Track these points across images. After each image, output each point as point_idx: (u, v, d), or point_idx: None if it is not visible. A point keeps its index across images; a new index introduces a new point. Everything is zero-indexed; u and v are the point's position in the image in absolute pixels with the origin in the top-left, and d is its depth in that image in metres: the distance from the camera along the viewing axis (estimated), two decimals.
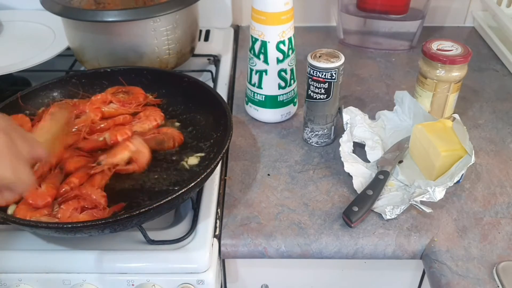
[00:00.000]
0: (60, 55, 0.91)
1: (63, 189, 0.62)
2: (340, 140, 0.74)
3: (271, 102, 0.81)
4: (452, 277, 0.58)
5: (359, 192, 0.68)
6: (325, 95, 0.73)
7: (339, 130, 0.78)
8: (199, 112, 0.77)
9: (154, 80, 0.81)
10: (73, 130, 0.71)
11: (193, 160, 0.69)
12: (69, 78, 0.80)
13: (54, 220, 0.58)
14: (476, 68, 0.99)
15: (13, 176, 0.41)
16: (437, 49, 0.75)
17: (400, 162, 0.74)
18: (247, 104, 0.85)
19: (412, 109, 0.79)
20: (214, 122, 0.73)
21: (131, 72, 0.81)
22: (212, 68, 0.96)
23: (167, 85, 0.80)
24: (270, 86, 0.80)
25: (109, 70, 0.81)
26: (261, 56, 0.77)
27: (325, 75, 0.71)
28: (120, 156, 0.66)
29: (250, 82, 0.82)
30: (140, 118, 0.75)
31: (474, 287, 0.57)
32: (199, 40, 1.06)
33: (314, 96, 0.73)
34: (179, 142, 0.72)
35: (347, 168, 0.71)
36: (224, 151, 0.62)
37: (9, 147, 0.40)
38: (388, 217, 0.64)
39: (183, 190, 0.56)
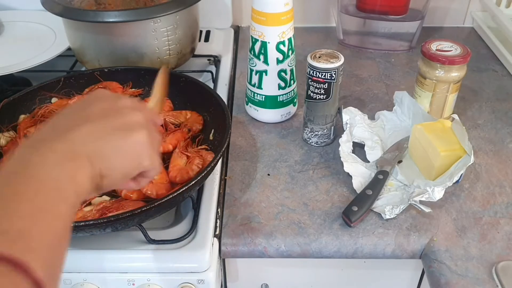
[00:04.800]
0: (60, 56, 0.91)
1: None
2: (340, 140, 0.74)
3: (271, 102, 0.81)
4: (452, 277, 0.58)
5: (358, 192, 0.68)
6: (324, 96, 0.73)
7: (338, 130, 0.79)
8: (197, 111, 0.77)
9: (152, 80, 0.81)
10: None
11: None
12: (67, 78, 0.80)
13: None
14: (475, 68, 0.99)
15: (151, 164, 0.43)
16: (437, 50, 0.76)
17: (400, 162, 0.74)
18: (247, 104, 0.85)
19: (411, 109, 0.79)
20: (213, 121, 0.74)
21: (129, 72, 0.81)
22: (212, 68, 0.96)
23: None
24: (270, 87, 0.80)
25: (106, 70, 0.81)
26: (261, 57, 0.78)
27: (324, 76, 0.71)
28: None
29: (250, 83, 0.82)
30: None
31: (473, 287, 0.57)
32: (200, 40, 1.06)
33: (314, 97, 0.74)
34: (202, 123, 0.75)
35: (347, 168, 0.71)
36: (223, 150, 0.63)
37: (148, 140, 0.42)
38: (388, 217, 0.65)
39: (183, 189, 0.56)
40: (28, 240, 0.31)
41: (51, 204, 0.34)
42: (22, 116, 0.75)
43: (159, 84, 0.56)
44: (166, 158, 0.69)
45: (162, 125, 0.72)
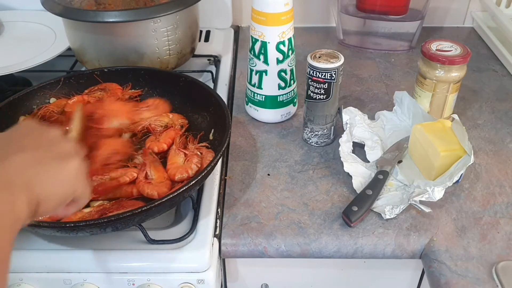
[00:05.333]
0: (61, 56, 0.91)
1: None
2: (340, 140, 0.74)
3: (271, 102, 0.81)
4: (451, 277, 0.58)
5: (358, 192, 0.68)
6: (324, 96, 0.73)
7: (338, 130, 0.79)
8: (197, 111, 0.77)
9: (152, 80, 0.81)
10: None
11: None
12: (67, 78, 0.80)
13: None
14: (475, 68, 0.99)
15: (84, 190, 0.46)
16: (437, 50, 0.76)
17: (400, 162, 0.74)
18: (247, 104, 0.85)
19: (411, 109, 0.79)
20: (212, 121, 0.74)
21: (129, 72, 0.81)
22: (213, 68, 0.96)
23: (165, 84, 0.80)
24: (270, 87, 0.80)
25: (106, 70, 0.81)
26: (261, 57, 0.78)
27: (324, 76, 0.71)
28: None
29: (250, 83, 0.82)
30: (149, 106, 0.77)
31: (473, 287, 0.57)
32: (200, 40, 1.06)
33: (314, 97, 0.74)
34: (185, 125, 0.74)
35: (347, 168, 0.71)
36: (223, 149, 0.63)
37: (81, 168, 0.45)
38: (388, 217, 0.65)
39: (183, 189, 0.56)
40: None
41: None
42: (21, 118, 0.75)
43: (78, 117, 0.61)
44: (161, 156, 0.70)
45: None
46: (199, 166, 0.66)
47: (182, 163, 0.67)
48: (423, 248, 0.63)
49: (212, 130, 0.73)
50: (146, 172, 0.65)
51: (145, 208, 0.54)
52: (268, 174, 0.73)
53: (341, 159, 0.72)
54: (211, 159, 0.66)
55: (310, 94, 0.74)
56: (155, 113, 0.76)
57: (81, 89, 0.80)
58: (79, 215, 0.59)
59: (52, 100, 0.78)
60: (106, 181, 0.64)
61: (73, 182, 0.43)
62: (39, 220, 0.57)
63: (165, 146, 0.71)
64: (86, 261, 0.59)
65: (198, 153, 0.69)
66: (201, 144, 0.71)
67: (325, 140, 0.78)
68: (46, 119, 0.74)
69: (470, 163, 0.65)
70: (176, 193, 0.56)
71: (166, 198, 0.55)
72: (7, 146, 0.41)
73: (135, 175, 0.65)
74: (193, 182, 0.58)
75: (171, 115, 0.77)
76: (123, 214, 0.54)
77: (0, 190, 0.36)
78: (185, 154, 0.68)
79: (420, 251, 0.63)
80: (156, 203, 0.55)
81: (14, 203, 0.37)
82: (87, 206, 0.60)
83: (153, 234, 0.60)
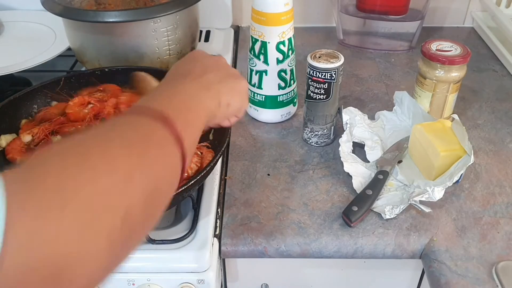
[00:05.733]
0: (60, 56, 0.91)
1: None
2: (340, 140, 0.74)
3: (271, 102, 0.81)
4: (452, 277, 0.58)
5: (358, 192, 0.68)
6: (324, 96, 0.73)
7: (338, 130, 0.79)
8: None
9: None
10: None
11: None
12: (67, 78, 0.80)
13: None
14: (475, 68, 0.99)
15: (247, 105, 0.58)
16: (436, 50, 0.76)
17: (400, 162, 0.74)
18: None
19: (411, 109, 0.79)
20: None
21: (129, 72, 0.81)
22: None
23: None
24: (270, 87, 0.80)
25: (106, 70, 0.81)
26: (261, 57, 0.78)
27: (324, 76, 0.71)
28: None
29: (250, 83, 0.82)
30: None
31: (473, 287, 0.57)
32: (200, 40, 1.06)
33: (314, 97, 0.74)
34: None
35: (347, 168, 0.71)
36: (222, 149, 0.63)
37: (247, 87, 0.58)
38: (388, 217, 0.65)
39: (181, 190, 0.56)
40: (180, 116, 0.41)
41: (195, 107, 0.45)
42: (23, 121, 0.75)
43: None
44: None
45: None
46: (199, 165, 0.66)
47: None
48: (423, 248, 0.63)
49: (212, 130, 0.73)
50: None
51: None
52: (268, 174, 0.73)
53: (341, 159, 0.72)
54: (211, 158, 0.66)
55: (310, 94, 0.74)
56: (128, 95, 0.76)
57: (81, 89, 0.80)
58: None
59: (54, 103, 0.78)
60: None
61: (244, 96, 0.55)
62: None
63: None
64: None
65: (198, 152, 0.69)
66: (201, 144, 0.71)
67: (325, 140, 0.78)
68: (47, 120, 0.73)
69: (470, 163, 0.65)
70: (174, 193, 0.55)
71: None
72: (196, 67, 0.51)
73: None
74: (192, 182, 0.57)
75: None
76: None
77: (202, 89, 0.48)
78: None
79: (420, 251, 0.63)
80: None
81: (210, 99, 0.48)
82: None
83: (153, 234, 0.60)
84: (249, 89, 0.83)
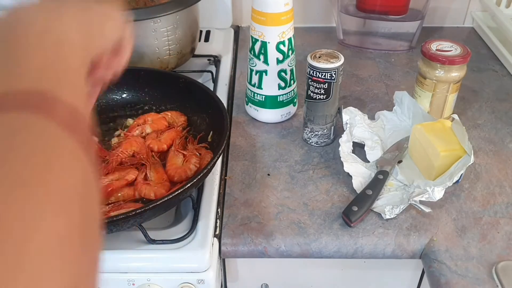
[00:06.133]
0: None
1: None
2: (340, 140, 0.74)
3: (271, 102, 0.81)
4: (452, 277, 0.58)
5: (358, 192, 0.68)
6: (324, 96, 0.73)
7: (338, 130, 0.79)
8: (196, 113, 0.77)
9: (151, 80, 0.81)
10: None
11: None
12: None
13: None
14: (475, 68, 0.99)
15: (129, 39, 0.48)
16: (437, 50, 0.76)
17: (400, 162, 0.74)
18: (247, 104, 0.85)
19: (411, 109, 0.79)
20: (212, 123, 0.74)
21: (128, 73, 0.81)
22: (212, 68, 0.96)
23: (164, 85, 0.80)
24: (270, 87, 0.80)
25: None
26: (261, 57, 0.78)
27: (324, 76, 0.71)
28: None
29: (250, 83, 0.82)
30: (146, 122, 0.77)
31: (473, 287, 0.57)
32: (200, 40, 1.06)
33: (314, 97, 0.74)
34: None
35: (347, 168, 0.71)
36: (220, 152, 0.63)
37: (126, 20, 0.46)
38: (388, 217, 0.65)
39: (179, 191, 0.56)
40: (52, 73, 0.28)
41: (67, 52, 0.32)
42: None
43: None
44: (162, 157, 0.70)
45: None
46: (198, 166, 0.66)
47: (181, 164, 0.67)
48: (423, 248, 0.63)
49: (211, 132, 0.73)
50: (146, 174, 0.65)
51: (140, 211, 0.54)
52: (268, 174, 0.73)
53: (341, 159, 0.72)
54: (209, 159, 0.66)
55: (310, 94, 0.74)
56: (154, 128, 0.75)
57: None
58: None
59: None
60: (113, 182, 0.64)
61: (120, 25, 0.45)
62: None
63: (165, 147, 0.71)
64: None
65: (197, 153, 0.69)
66: (200, 144, 0.71)
67: (325, 140, 0.78)
68: None
69: (470, 163, 0.65)
70: (171, 196, 0.55)
71: (161, 201, 0.55)
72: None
73: (137, 172, 0.66)
74: (189, 184, 0.57)
75: (169, 114, 0.77)
76: (116, 216, 0.53)
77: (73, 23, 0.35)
78: (184, 155, 0.68)
79: (420, 251, 0.63)
80: (151, 206, 0.54)
81: (78, 52, 0.34)
82: None
83: (153, 234, 0.60)
84: (249, 89, 0.83)
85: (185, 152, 0.68)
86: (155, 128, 0.75)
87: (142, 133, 0.74)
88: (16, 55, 0.29)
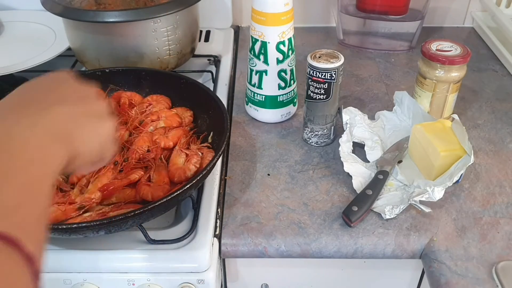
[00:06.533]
0: (61, 56, 0.91)
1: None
2: (340, 140, 0.74)
3: (271, 102, 0.81)
4: (452, 277, 0.58)
5: (358, 192, 0.68)
6: (324, 96, 0.73)
7: (338, 130, 0.79)
8: (197, 113, 0.77)
9: (153, 80, 0.81)
10: None
11: None
12: None
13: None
14: (475, 68, 0.99)
15: (112, 151, 0.47)
16: (436, 50, 0.76)
17: (400, 162, 0.74)
18: (247, 104, 0.85)
19: (411, 109, 0.79)
20: (212, 123, 0.74)
21: (130, 73, 0.81)
22: (212, 68, 0.96)
23: (166, 86, 0.80)
24: (270, 87, 0.80)
25: (107, 70, 0.81)
26: (261, 57, 0.78)
27: (324, 76, 0.71)
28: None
29: (250, 83, 0.82)
30: (152, 104, 0.77)
31: (473, 287, 0.57)
32: (200, 40, 1.06)
33: (314, 97, 0.74)
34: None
35: (347, 168, 0.71)
36: (220, 152, 0.63)
37: (114, 129, 0.46)
38: (388, 217, 0.65)
39: (178, 192, 0.56)
40: (18, 216, 0.31)
41: (37, 182, 0.34)
42: None
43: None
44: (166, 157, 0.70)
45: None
46: (198, 166, 0.66)
47: (182, 164, 0.67)
48: (423, 248, 0.63)
49: (212, 132, 0.73)
50: (150, 175, 0.65)
51: (138, 212, 0.53)
52: (268, 174, 0.73)
53: (341, 159, 0.72)
54: (210, 159, 0.66)
55: (310, 94, 0.74)
56: (168, 124, 0.76)
57: None
58: (78, 220, 0.59)
59: None
60: (115, 181, 0.63)
61: (106, 142, 0.45)
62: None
63: (171, 144, 0.71)
64: (86, 261, 0.59)
65: (199, 153, 0.69)
66: (202, 144, 0.71)
67: (325, 140, 0.78)
68: None
69: (470, 163, 0.65)
70: (170, 197, 0.55)
71: (161, 201, 0.55)
72: (47, 95, 0.41)
73: (142, 173, 0.66)
74: (189, 185, 0.57)
75: (175, 110, 0.77)
76: (116, 217, 0.53)
77: (44, 142, 0.36)
78: (186, 154, 0.68)
79: (420, 251, 0.63)
80: (150, 206, 0.54)
81: (56, 155, 0.37)
82: (87, 211, 0.60)
83: (153, 234, 0.60)
84: (249, 89, 0.83)
85: (187, 152, 0.68)
86: (168, 124, 0.74)
87: (155, 129, 0.74)
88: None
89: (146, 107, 0.77)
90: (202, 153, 0.69)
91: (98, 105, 0.44)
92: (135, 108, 0.77)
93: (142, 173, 0.66)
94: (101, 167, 0.49)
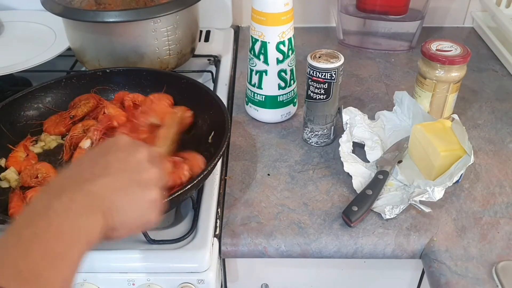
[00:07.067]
0: (61, 56, 0.91)
1: None
2: (340, 140, 0.74)
3: (271, 102, 0.81)
4: (451, 277, 0.58)
5: (358, 192, 0.68)
6: (324, 96, 0.73)
7: (338, 130, 0.79)
8: (197, 113, 0.77)
9: (153, 81, 0.81)
10: None
11: None
12: (68, 79, 0.80)
13: None
14: (475, 68, 0.99)
15: (156, 222, 0.45)
16: (437, 50, 0.76)
17: (400, 162, 0.74)
18: (247, 104, 0.85)
19: (411, 109, 0.79)
20: (213, 123, 0.74)
21: (131, 73, 0.81)
22: (212, 68, 0.96)
23: (166, 86, 0.80)
24: (270, 87, 0.80)
25: (108, 71, 0.81)
26: (261, 57, 0.78)
27: (324, 76, 0.71)
28: None
29: (250, 83, 0.82)
30: (153, 102, 0.77)
31: (473, 287, 0.57)
32: (200, 40, 1.06)
33: (314, 97, 0.74)
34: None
35: (347, 168, 0.71)
36: (220, 153, 0.62)
37: (159, 199, 0.45)
38: (388, 217, 0.65)
39: (178, 193, 0.56)
40: (40, 282, 0.33)
41: (66, 251, 0.36)
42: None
43: (171, 128, 0.56)
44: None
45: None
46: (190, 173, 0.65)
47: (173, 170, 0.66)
48: (423, 248, 0.63)
49: (212, 132, 0.73)
50: None
51: None
52: (268, 174, 0.73)
53: (341, 159, 0.72)
54: (200, 164, 0.65)
55: (310, 94, 0.74)
56: (161, 106, 0.76)
57: (82, 89, 0.80)
58: None
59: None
60: None
61: (149, 212, 0.44)
62: None
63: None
64: (86, 261, 0.59)
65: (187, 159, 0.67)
66: (187, 152, 0.68)
67: (325, 140, 0.78)
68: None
69: (470, 163, 0.65)
70: (171, 197, 0.55)
71: None
72: (96, 164, 0.42)
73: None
74: (189, 186, 0.57)
75: (176, 109, 0.77)
76: None
77: (81, 213, 0.38)
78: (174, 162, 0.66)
79: (420, 251, 0.63)
80: None
81: (91, 227, 0.38)
82: None
83: (153, 234, 0.60)
84: (249, 89, 0.83)
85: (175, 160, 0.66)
86: (160, 105, 0.76)
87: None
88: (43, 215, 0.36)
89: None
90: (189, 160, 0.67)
91: (145, 173, 0.44)
92: (139, 108, 0.77)
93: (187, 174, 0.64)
94: (151, 229, 0.49)
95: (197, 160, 0.65)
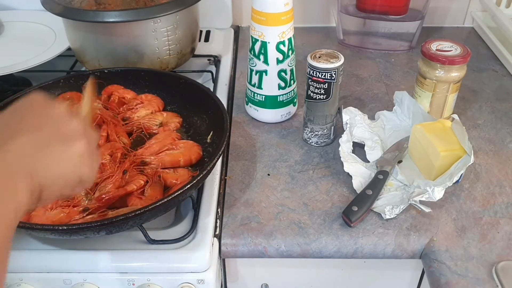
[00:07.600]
0: (61, 56, 0.91)
1: None
2: (340, 140, 0.74)
3: (271, 102, 0.81)
4: (451, 277, 0.58)
5: (358, 192, 0.68)
6: (324, 96, 0.73)
7: (338, 130, 0.79)
8: (196, 113, 0.77)
9: (152, 81, 0.81)
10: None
11: None
12: (67, 78, 0.80)
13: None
14: (475, 68, 0.99)
15: (90, 173, 0.43)
16: (436, 50, 0.76)
17: (400, 162, 0.74)
18: (247, 104, 0.85)
19: (411, 109, 0.79)
20: (211, 123, 0.74)
21: (129, 73, 0.81)
22: (212, 68, 0.96)
23: (165, 86, 0.80)
24: (270, 87, 0.80)
25: (106, 71, 0.81)
26: (261, 57, 0.78)
27: (324, 76, 0.71)
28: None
29: (250, 83, 0.82)
30: (143, 103, 0.78)
31: (473, 287, 0.57)
32: (200, 40, 1.06)
33: (314, 97, 0.74)
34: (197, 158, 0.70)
35: (347, 168, 0.71)
36: (220, 153, 0.62)
37: (87, 149, 0.42)
38: (388, 217, 0.65)
39: (178, 193, 0.56)
40: None
41: None
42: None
43: (89, 93, 0.55)
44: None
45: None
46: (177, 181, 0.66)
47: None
48: (423, 248, 0.63)
49: (211, 132, 0.73)
50: (144, 190, 0.64)
51: (139, 212, 0.53)
52: (268, 174, 0.73)
53: (341, 159, 0.72)
54: (188, 178, 0.65)
55: (310, 94, 0.74)
56: (150, 109, 0.77)
57: (80, 90, 0.80)
58: (81, 221, 0.59)
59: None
60: (112, 190, 0.62)
61: (78, 166, 0.41)
62: (32, 222, 0.56)
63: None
64: (86, 261, 0.59)
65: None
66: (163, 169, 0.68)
67: (325, 140, 0.78)
68: None
69: (470, 163, 0.65)
70: (170, 197, 0.55)
71: (161, 202, 0.55)
72: (10, 126, 0.39)
73: (142, 182, 0.64)
74: (189, 185, 0.57)
75: (165, 114, 0.77)
76: (117, 217, 0.53)
77: (4, 175, 0.35)
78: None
79: (420, 251, 0.63)
80: (150, 207, 0.54)
81: (15, 192, 0.35)
82: (91, 213, 0.60)
83: (153, 234, 0.60)
84: (249, 89, 0.83)
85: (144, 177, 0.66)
86: (150, 108, 0.77)
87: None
88: None
89: (136, 105, 0.77)
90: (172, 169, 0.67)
91: (65, 126, 0.41)
92: (124, 106, 0.77)
93: (142, 183, 0.64)
94: (84, 189, 0.45)
95: (193, 148, 0.65)
